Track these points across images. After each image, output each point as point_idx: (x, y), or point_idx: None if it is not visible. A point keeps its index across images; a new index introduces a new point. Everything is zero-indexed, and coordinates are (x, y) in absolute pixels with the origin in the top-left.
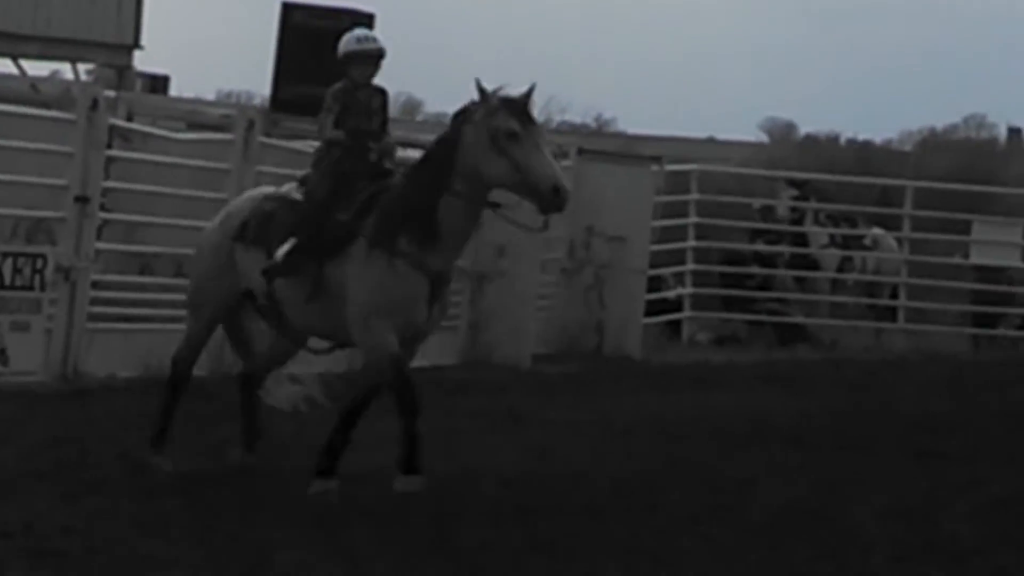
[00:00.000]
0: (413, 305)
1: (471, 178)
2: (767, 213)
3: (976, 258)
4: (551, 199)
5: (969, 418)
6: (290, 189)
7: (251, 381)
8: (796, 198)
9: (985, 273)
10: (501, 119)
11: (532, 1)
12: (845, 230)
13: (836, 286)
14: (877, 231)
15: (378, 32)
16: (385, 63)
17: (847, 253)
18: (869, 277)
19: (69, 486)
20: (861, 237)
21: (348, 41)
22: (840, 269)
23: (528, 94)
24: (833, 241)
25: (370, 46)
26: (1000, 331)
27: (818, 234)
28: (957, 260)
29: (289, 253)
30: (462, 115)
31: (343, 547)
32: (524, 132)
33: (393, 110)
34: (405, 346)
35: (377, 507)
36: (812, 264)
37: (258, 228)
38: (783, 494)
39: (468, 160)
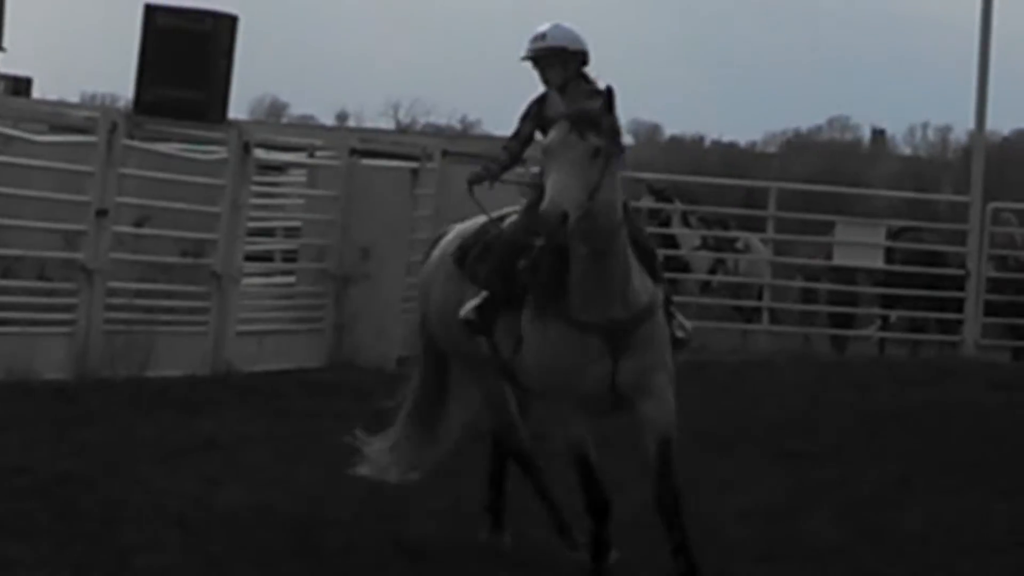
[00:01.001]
0: (583, 372)
1: None
2: (653, 214)
3: (839, 259)
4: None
5: (831, 419)
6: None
7: (505, 443)
8: (656, 202)
9: (841, 274)
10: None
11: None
12: (718, 232)
13: (704, 288)
14: (749, 235)
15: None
16: (248, 64)
17: (719, 255)
18: (738, 279)
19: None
20: (734, 240)
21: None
22: (712, 271)
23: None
24: (705, 243)
25: (540, 44)
26: (857, 332)
27: (689, 236)
28: (818, 261)
29: (480, 306)
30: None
31: (205, 551)
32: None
33: (259, 112)
34: (599, 416)
35: (239, 512)
36: (683, 266)
37: (474, 260)
38: (645, 495)
39: None
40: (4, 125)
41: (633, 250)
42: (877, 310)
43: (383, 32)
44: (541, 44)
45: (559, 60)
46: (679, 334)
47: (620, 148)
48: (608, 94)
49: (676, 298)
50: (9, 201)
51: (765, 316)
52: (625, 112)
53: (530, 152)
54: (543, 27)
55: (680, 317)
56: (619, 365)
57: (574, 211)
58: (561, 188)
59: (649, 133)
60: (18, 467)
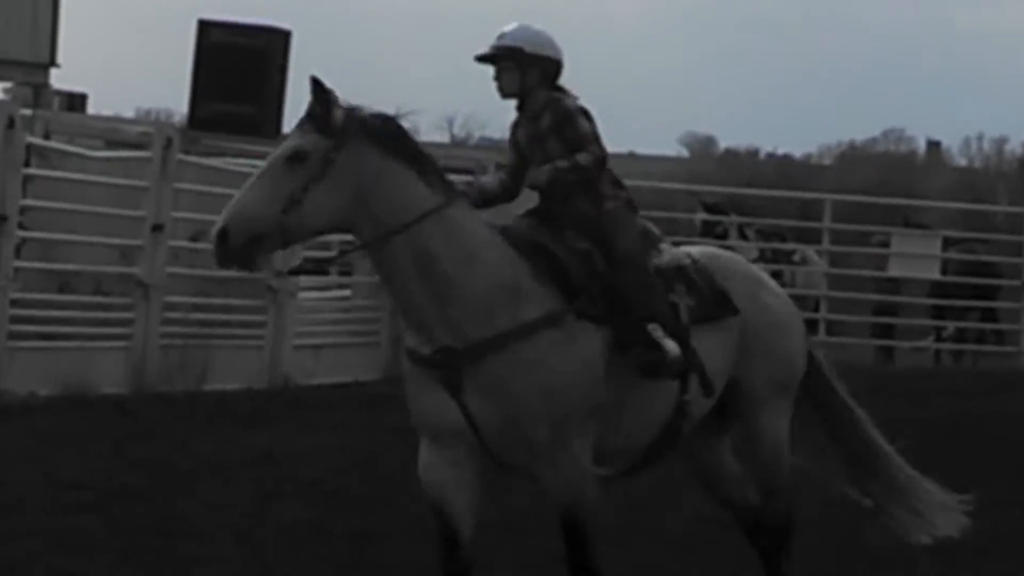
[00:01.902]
0: (427, 410)
1: None
2: (707, 228)
3: (895, 271)
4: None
5: (889, 430)
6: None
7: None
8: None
9: (893, 284)
10: None
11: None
12: (775, 244)
13: None
14: (805, 248)
15: (296, 49)
16: (303, 80)
17: (776, 268)
18: (795, 291)
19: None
20: (791, 252)
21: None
22: None
23: None
24: (762, 256)
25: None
26: (907, 343)
27: (746, 249)
28: (872, 273)
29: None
30: None
31: (262, 565)
32: None
33: None
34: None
35: (296, 525)
36: None
37: None
38: (698, 507)
39: None
40: (60, 141)
41: (503, 261)
42: (931, 322)
43: (436, 45)
44: (496, 43)
45: (515, 64)
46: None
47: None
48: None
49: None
50: (66, 216)
51: (822, 328)
52: (679, 124)
53: None
54: (509, 26)
55: (658, 335)
56: (472, 407)
57: (246, 229)
58: (234, 204)
59: (703, 146)
60: (76, 482)
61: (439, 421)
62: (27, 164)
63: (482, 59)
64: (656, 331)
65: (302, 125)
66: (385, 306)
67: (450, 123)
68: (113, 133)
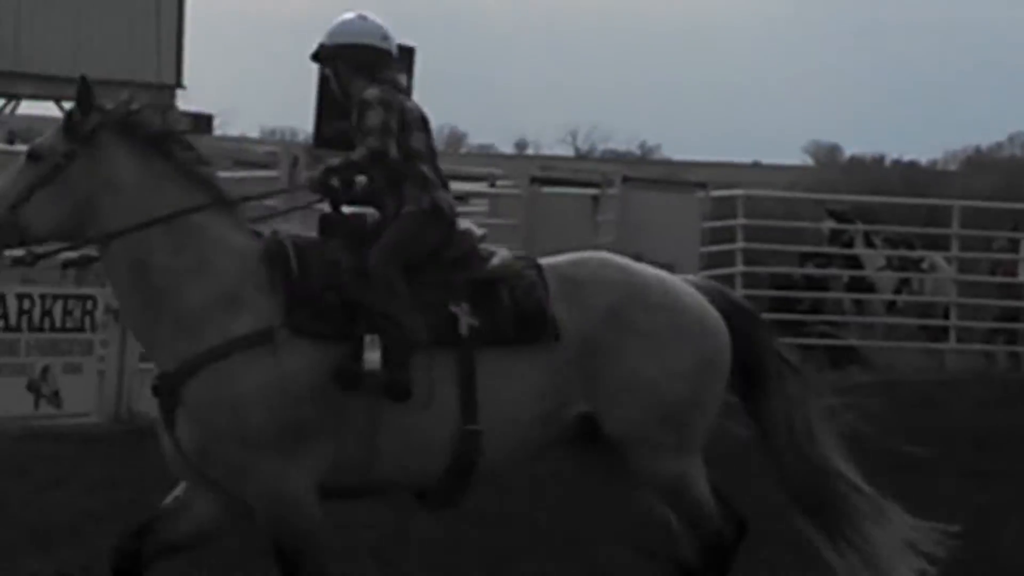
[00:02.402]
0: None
1: None
2: (835, 236)
3: None
4: None
5: (1020, 437)
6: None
7: None
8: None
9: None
10: None
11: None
12: (902, 252)
13: (890, 308)
14: (933, 254)
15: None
16: (426, 95)
17: (904, 275)
18: (923, 298)
19: (126, 527)
20: (919, 260)
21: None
22: (897, 291)
23: None
24: (890, 264)
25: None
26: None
27: (873, 257)
28: (1000, 279)
29: None
30: None
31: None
32: None
33: (437, 143)
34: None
35: (434, 542)
36: (868, 287)
37: None
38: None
39: None
40: None
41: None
42: None
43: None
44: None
45: (329, 62)
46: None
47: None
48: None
49: (861, 318)
50: None
51: (952, 335)
52: (804, 133)
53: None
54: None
55: (368, 347)
56: (178, 433)
57: None
58: None
59: (828, 154)
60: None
61: (171, 463)
62: None
63: (316, 61)
64: (372, 343)
65: (60, 124)
66: None
67: (573, 136)
68: (240, 153)
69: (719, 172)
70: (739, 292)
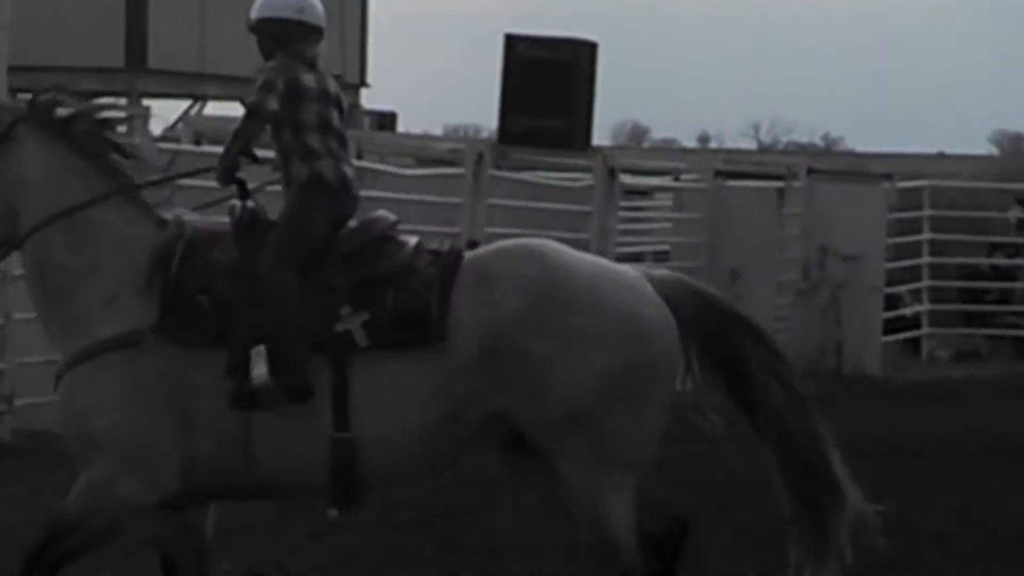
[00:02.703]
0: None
1: None
2: (1023, 225)
3: None
4: None
5: None
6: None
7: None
8: None
9: None
10: None
11: (755, 24)
12: None
13: None
14: None
15: (602, 60)
16: (609, 91)
17: None
18: None
19: (317, 524)
20: None
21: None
22: None
23: None
24: None
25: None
26: None
27: None
28: None
29: None
30: None
31: None
32: None
33: (620, 138)
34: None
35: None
36: None
37: None
38: None
39: None
40: (372, 160)
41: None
42: None
43: (741, 52)
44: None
45: (255, 38)
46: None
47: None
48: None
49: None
50: None
51: None
52: (989, 123)
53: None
54: None
55: (256, 359)
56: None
57: None
58: None
59: (1014, 143)
60: (403, 501)
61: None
62: None
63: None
64: (258, 355)
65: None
66: None
67: (756, 129)
68: (424, 151)
69: (904, 163)
70: (925, 283)
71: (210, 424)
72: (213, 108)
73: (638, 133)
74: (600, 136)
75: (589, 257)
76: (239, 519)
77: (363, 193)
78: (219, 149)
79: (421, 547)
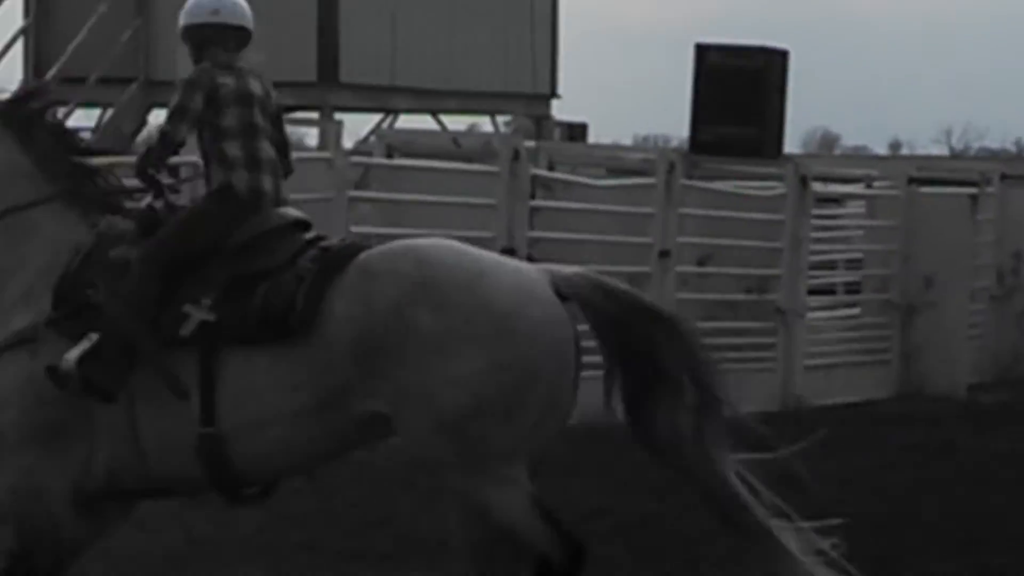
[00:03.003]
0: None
1: None
2: None
3: None
4: None
5: None
6: None
7: None
8: None
9: None
10: None
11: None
12: None
13: None
14: None
15: (792, 67)
16: (799, 98)
17: None
18: None
19: None
20: None
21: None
22: None
23: None
24: None
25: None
26: None
27: None
28: None
29: None
30: None
31: None
32: None
33: (811, 145)
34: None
35: None
36: None
37: None
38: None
39: None
40: (563, 171)
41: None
42: None
43: (932, 58)
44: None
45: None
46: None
47: None
48: None
49: None
50: (573, 246)
51: None
52: None
53: None
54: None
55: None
56: None
57: None
58: None
59: None
60: (599, 509)
61: None
62: (532, 196)
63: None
64: (88, 340)
65: None
66: (894, 323)
67: (947, 135)
68: (614, 161)
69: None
70: None
71: (103, 419)
72: (404, 121)
73: (829, 140)
74: (791, 144)
75: (485, 256)
76: (434, 532)
77: (555, 204)
78: (411, 162)
79: (616, 557)
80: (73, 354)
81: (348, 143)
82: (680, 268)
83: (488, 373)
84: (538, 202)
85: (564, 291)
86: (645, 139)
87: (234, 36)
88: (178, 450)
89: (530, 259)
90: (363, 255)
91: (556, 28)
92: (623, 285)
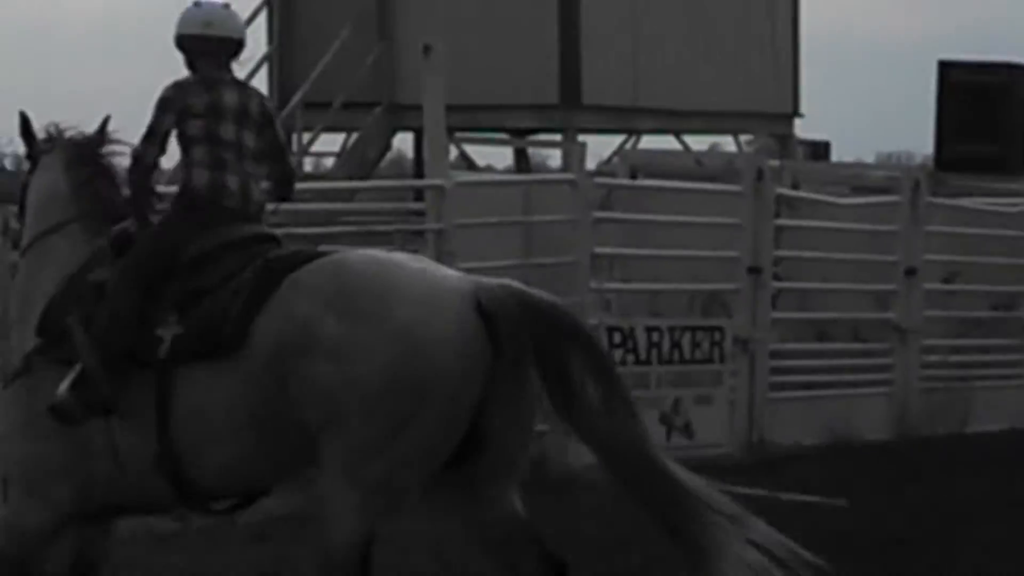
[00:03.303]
0: None
1: None
2: None
3: None
4: None
5: None
6: None
7: None
8: None
9: None
10: None
11: None
12: None
13: None
14: None
15: None
16: None
17: None
18: None
19: None
20: None
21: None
22: None
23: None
24: None
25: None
26: None
27: None
28: None
29: None
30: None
31: None
32: None
33: None
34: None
35: None
36: None
37: None
38: None
39: None
40: (807, 190)
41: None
42: None
43: None
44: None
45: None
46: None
47: None
48: None
49: None
50: (819, 265)
51: None
52: None
53: None
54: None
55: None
56: None
57: None
58: None
59: None
60: (846, 530)
61: None
62: (777, 215)
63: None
64: (73, 369)
65: None
66: None
67: None
68: (858, 179)
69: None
70: None
71: (92, 442)
72: (647, 142)
73: None
74: None
75: (409, 269)
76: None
77: (800, 223)
78: (654, 183)
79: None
80: (63, 386)
81: (591, 164)
82: (927, 286)
83: (379, 388)
84: (783, 221)
85: (487, 306)
86: (889, 156)
87: (225, 48)
88: (144, 466)
89: (776, 278)
90: (298, 270)
91: (798, 47)
92: (548, 298)
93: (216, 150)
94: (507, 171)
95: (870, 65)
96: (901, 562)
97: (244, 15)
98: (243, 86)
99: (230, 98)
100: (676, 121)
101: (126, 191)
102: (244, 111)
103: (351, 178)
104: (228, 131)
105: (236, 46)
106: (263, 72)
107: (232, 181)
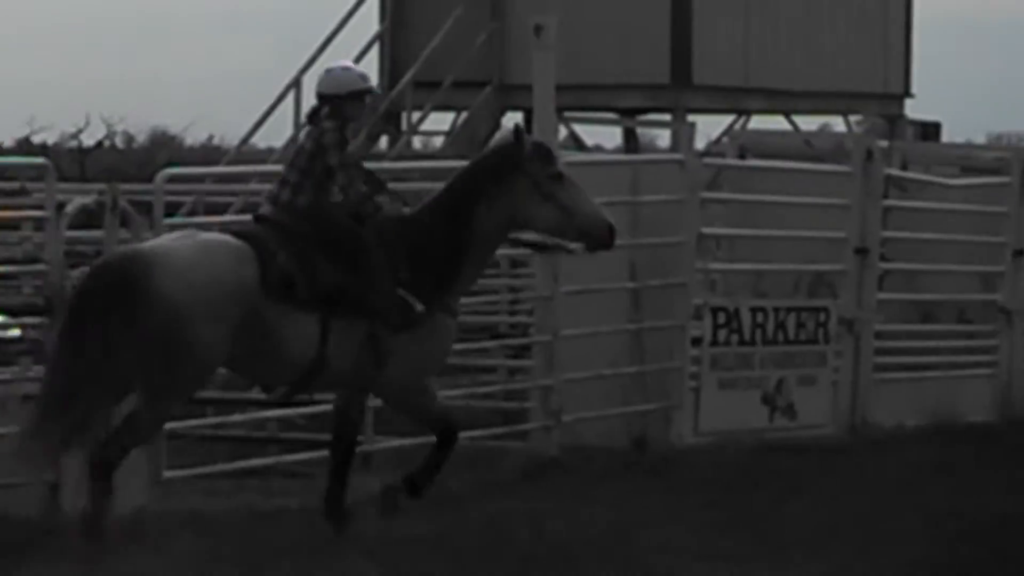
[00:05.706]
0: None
1: (511, 223)
2: None
3: None
4: (605, 239)
5: None
6: None
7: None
8: None
9: None
10: (542, 164)
11: None
12: None
13: None
14: None
15: None
16: None
17: None
18: None
19: (867, 538)
20: None
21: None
22: None
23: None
24: None
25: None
26: None
27: None
28: None
29: None
30: (501, 160)
31: None
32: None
33: None
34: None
35: None
36: None
37: None
38: None
39: (513, 206)
40: (916, 170)
41: None
42: None
43: None
44: None
45: None
46: None
47: None
48: None
49: None
50: (927, 246)
51: None
52: None
53: None
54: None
55: None
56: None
57: None
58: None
59: None
60: (951, 511)
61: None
62: (886, 195)
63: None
64: None
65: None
66: None
67: None
68: (967, 160)
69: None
70: None
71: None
72: (757, 122)
73: None
74: None
75: (180, 238)
76: (782, 532)
77: (909, 204)
78: (763, 163)
79: (969, 559)
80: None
81: (700, 144)
82: None
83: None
84: (891, 202)
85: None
86: (999, 137)
87: (333, 101)
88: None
89: (883, 259)
90: None
91: (910, 26)
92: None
93: (290, 172)
94: (616, 151)
95: (982, 45)
96: (1008, 542)
97: None
98: (324, 129)
99: (306, 142)
100: (786, 101)
101: None
102: (301, 149)
103: (461, 157)
104: (292, 162)
105: (339, 99)
106: (374, 51)
107: (285, 194)
